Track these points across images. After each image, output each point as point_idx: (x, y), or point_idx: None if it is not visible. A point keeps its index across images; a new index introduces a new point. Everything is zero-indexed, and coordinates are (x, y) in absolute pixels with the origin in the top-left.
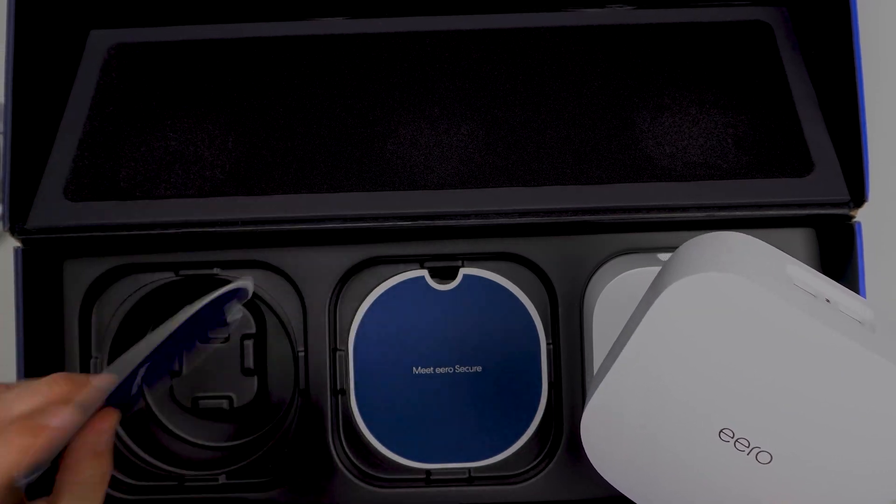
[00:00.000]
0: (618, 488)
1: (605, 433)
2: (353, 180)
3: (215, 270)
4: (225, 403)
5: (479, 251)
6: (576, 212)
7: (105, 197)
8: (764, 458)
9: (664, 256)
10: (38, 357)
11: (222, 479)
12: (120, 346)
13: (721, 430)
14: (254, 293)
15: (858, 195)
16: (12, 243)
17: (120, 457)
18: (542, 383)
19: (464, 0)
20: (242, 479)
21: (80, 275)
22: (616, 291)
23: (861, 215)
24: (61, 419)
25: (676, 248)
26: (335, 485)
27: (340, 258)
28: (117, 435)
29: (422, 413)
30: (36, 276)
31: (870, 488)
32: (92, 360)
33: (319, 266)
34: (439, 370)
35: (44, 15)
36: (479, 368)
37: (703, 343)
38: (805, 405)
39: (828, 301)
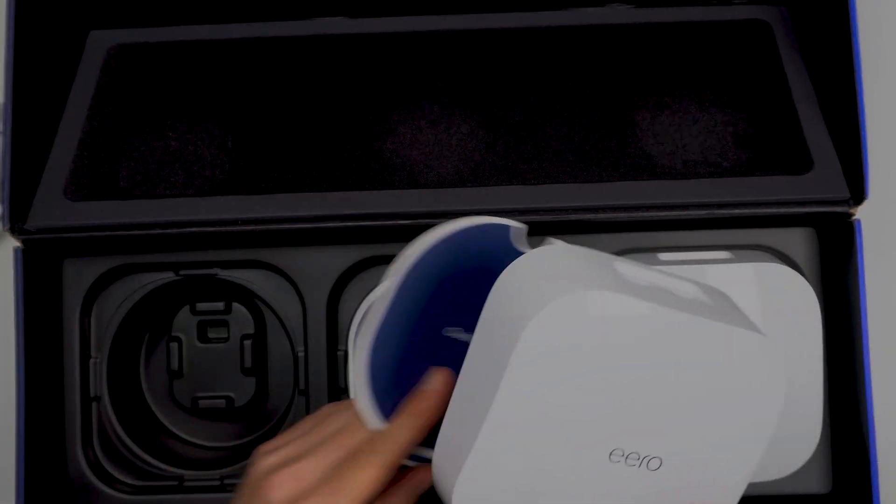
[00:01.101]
0: None
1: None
2: (352, 179)
3: (215, 270)
4: (224, 403)
5: None
6: (576, 210)
7: (105, 196)
8: (654, 464)
9: (664, 256)
10: (37, 357)
11: (221, 479)
12: (119, 346)
13: (611, 453)
14: (253, 293)
15: (858, 193)
16: (12, 243)
17: (119, 457)
18: None
19: (463, 0)
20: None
21: (79, 274)
22: None
23: (860, 213)
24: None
25: (677, 247)
26: None
27: (340, 258)
28: (116, 435)
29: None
30: (36, 275)
31: (741, 452)
32: (91, 361)
33: (319, 266)
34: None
35: (44, 15)
36: None
37: (575, 371)
38: (678, 394)
39: (663, 289)
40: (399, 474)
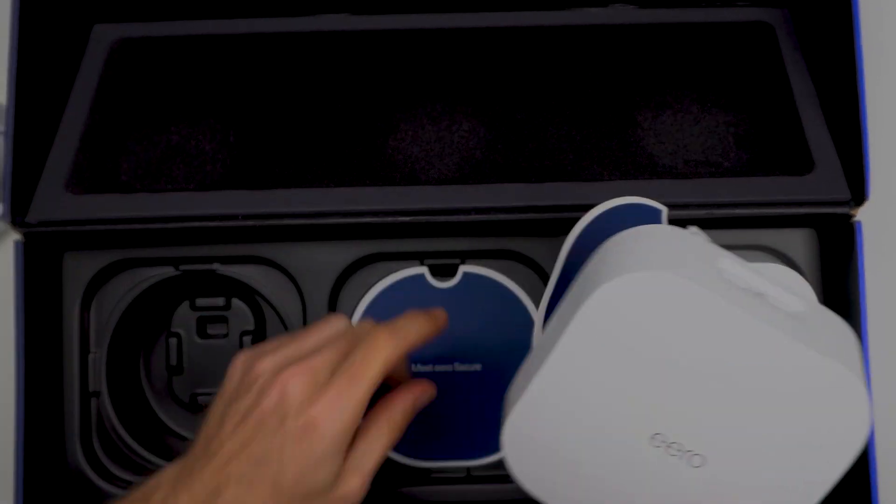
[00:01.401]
0: (546, 501)
1: (529, 446)
2: (353, 175)
3: (214, 266)
4: None
5: (480, 248)
6: (577, 208)
7: (106, 190)
8: (697, 461)
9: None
10: (37, 351)
11: None
12: (119, 341)
13: (653, 436)
14: (253, 289)
15: (859, 194)
16: (12, 243)
17: (118, 452)
18: None
19: None
20: None
21: (80, 268)
22: None
23: (861, 214)
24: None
25: None
26: None
27: (340, 254)
28: (113, 429)
29: (421, 410)
30: (36, 269)
31: (802, 485)
32: (91, 356)
33: (319, 262)
34: (438, 368)
35: (47, 9)
36: (478, 366)
37: (634, 346)
38: (737, 403)
39: (759, 294)
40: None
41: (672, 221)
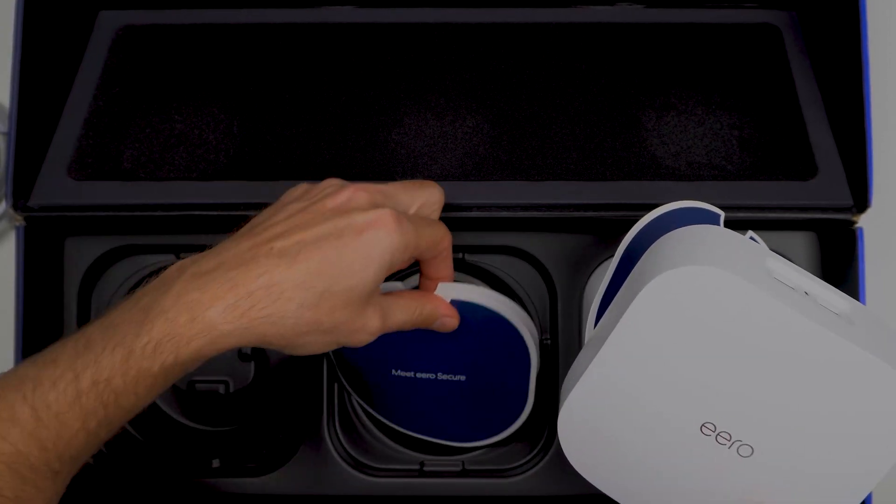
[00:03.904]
0: (597, 486)
1: (583, 431)
2: (356, 168)
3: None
4: (221, 388)
5: (481, 244)
6: (578, 207)
7: (108, 177)
8: (745, 451)
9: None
10: (36, 335)
11: (216, 464)
12: None
13: (703, 425)
14: None
15: (861, 200)
16: (12, 243)
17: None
18: (530, 384)
19: None
20: (236, 465)
21: (80, 254)
22: None
23: (863, 221)
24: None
25: None
26: (329, 473)
27: None
28: None
29: (410, 410)
30: (37, 254)
31: (847, 480)
32: None
33: None
34: (420, 375)
35: None
36: (461, 377)
37: (686, 337)
38: (786, 397)
39: (806, 294)
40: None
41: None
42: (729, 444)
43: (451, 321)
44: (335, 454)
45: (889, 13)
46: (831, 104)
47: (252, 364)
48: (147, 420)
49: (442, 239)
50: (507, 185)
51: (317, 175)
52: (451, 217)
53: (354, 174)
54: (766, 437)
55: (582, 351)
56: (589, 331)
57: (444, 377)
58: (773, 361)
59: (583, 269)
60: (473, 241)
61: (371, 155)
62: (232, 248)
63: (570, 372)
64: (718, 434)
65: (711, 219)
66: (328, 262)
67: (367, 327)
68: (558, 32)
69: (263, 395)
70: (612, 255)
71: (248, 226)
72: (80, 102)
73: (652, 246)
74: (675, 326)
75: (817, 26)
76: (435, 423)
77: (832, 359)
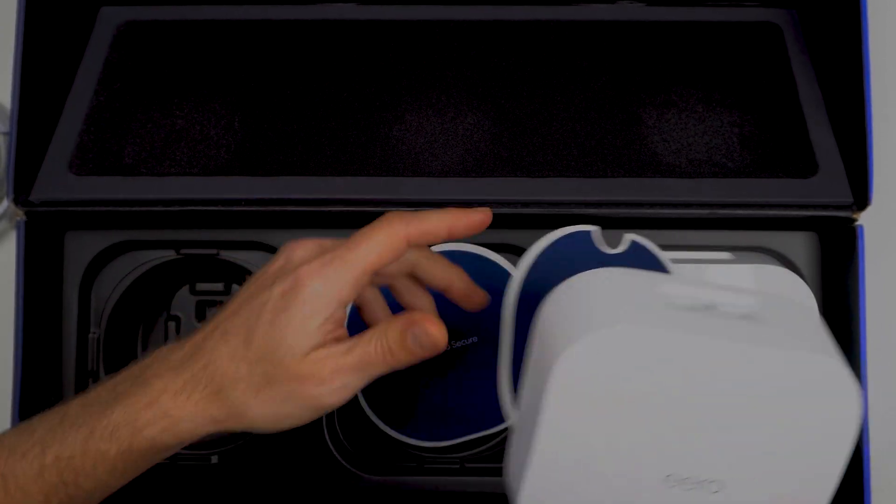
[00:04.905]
0: None
1: None
2: (357, 164)
3: (216, 251)
4: None
5: (481, 241)
6: (578, 204)
7: (109, 172)
8: (714, 487)
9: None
10: (36, 330)
11: (215, 460)
12: (118, 322)
13: (665, 478)
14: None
15: (861, 198)
16: (12, 242)
17: None
18: None
19: None
20: (235, 461)
21: (81, 249)
22: None
23: (863, 219)
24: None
25: (678, 246)
26: (327, 469)
27: None
28: None
29: (417, 386)
30: (37, 248)
31: (814, 480)
32: (90, 335)
33: None
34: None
35: None
36: (474, 339)
37: (613, 401)
38: (729, 420)
39: (710, 307)
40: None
41: (669, 221)
42: (697, 486)
43: (434, 330)
44: (334, 451)
45: (889, 12)
46: (832, 102)
47: None
48: None
49: (377, 237)
50: (508, 181)
51: (317, 171)
52: None
53: (355, 170)
54: (728, 467)
55: (513, 437)
56: (505, 402)
57: (459, 344)
58: (702, 392)
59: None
60: (473, 238)
61: (372, 151)
62: (198, 334)
63: (509, 463)
64: (683, 481)
65: (583, 237)
66: (257, 327)
67: (317, 379)
68: (559, 30)
69: None
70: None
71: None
72: (81, 98)
73: (543, 308)
74: (598, 394)
75: (818, 25)
76: (444, 411)
77: (752, 368)
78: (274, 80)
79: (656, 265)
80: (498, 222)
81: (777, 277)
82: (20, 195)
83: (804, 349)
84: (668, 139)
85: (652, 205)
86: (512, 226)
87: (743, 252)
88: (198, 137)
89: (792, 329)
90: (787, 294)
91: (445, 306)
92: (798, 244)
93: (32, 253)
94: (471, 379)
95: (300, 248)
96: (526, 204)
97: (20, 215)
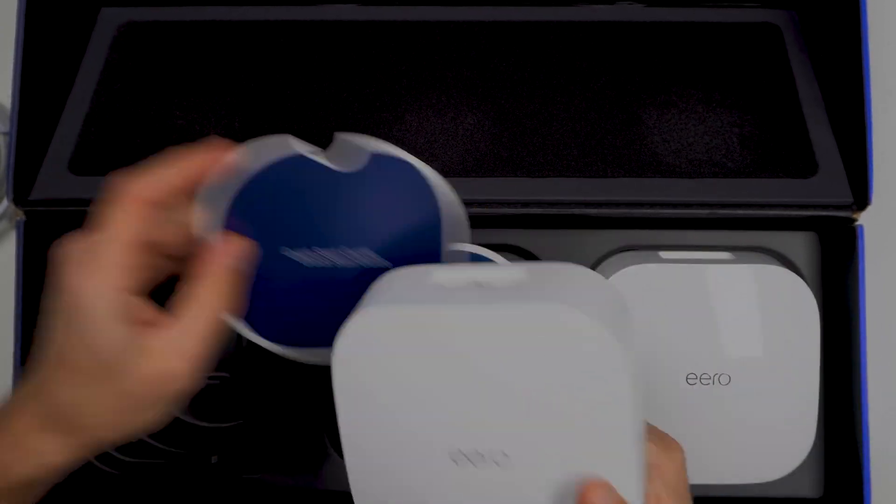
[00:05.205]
0: None
1: (376, 493)
2: None
3: None
4: (220, 383)
5: (481, 241)
6: (578, 204)
7: (109, 172)
8: (500, 459)
9: (666, 254)
10: (34, 329)
11: (214, 460)
12: None
13: (452, 457)
14: None
15: (861, 198)
16: (12, 243)
17: None
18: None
19: None
20: (235, 461)
21: None
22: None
23: (863, 219)
24: None
25: (678, 246)
26: (328, 468)
27: None
28: None
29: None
30: (37, 248)
31: (601, 437)
32: None
33: None
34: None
35: None
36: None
37: (387, 383)
38: (497, 387)
39: (477, 284)
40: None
41: (669, 221)
42: (484, 460)
43: (234, 249)
44: (333, 450)
45: (889, 13)
46: (831, 102)
47: (250, 359)
48: None
49: (114, 209)
50: (508, 181)
51: None
52: None
53: None
54: (510, 436)
55: None
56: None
57: (349, 252)
58: (464, 361)
59: (583, 265)
60: (472, 238)
61: None
62: (39, 365)
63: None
64: (470, 457)
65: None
66: (56, 344)
67: (164, 375)
68: (559, 31)
69: (264, 391)
70: (612, 252)
71: None
72: (81, 98)
73: None
74: (377, 378)
75: (818, 26)
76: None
77: (495, 328)
78: (274, 81)
79: (412, 175)
80: (498, 222)
81: (778, 277)
82: (20, 195)
83: (537, 300)
84: (669, 139)
85: (652, 205)
86: (512, 225)
87: (743, 252)
88: (197, 137)
89: (546, 288)
90: (788, 294)
91: (330, 200)
92: (798, 244)
93: (32, 253)
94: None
95: (62, 249)
96: (526, 204)
97: (20, 215)
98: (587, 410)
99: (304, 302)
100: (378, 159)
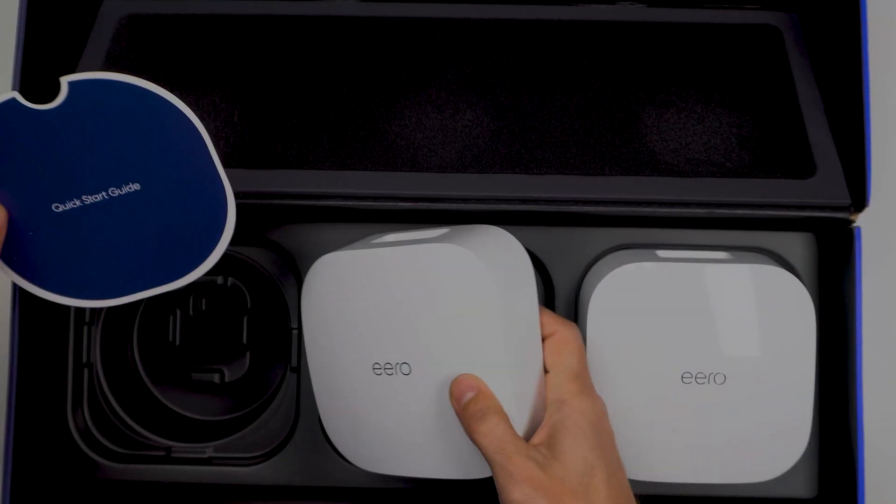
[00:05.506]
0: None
1: (331, 416)
2: (355, 159)
3: None
4: (217, 377)
5: None
6: (576, 202)
7: None
8: (405, 369)
9: (663, 253)
10: (32, 320)
11: (210, 452)
12: (115, 313)
13: (373, 367)
14: (251, 268)
15: (859, 200)
16: None
17: (108, 424)
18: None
19: None
20: (230, 453)
21: None
22: (613, 285)
23: (861, 220)
24: None
25: (676, 245)
26: (322, 461)
27: (338, 236)
28: (106, 402)
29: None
30: None
31: (494, 361)
32: (86, 327)
33: (317, 244)
34: (89, 200)
35: None
36: (136, 186)
37: (338, 313)
38: (404, 312)
39: (409, 241)
40: None
41: (666, 220)
42: (393, 370)
43: None
44: (328, 444)
45: (889, 14)
46: (830, 104)
47: (248, 354)
48: (142, 409)
49: None
50: (506, 178)
51: (315, 166)
52: (450, 210)
53: (354, 165)
54: (411, 351)
55: None
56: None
57: (118, 192)
58: (388, 293)
59: (580, 264)
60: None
61: (370, 146)
62: None
63: None
64: (384, 367)
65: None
66: None
67: None
68: (559, 29)
69: (259, 385)
70: (609, 250)
71: None
72: None
73: None
74: (323, 306)
75: (818, 27)
76: (126, 269)
77: (415, 262)
78: (274, 75)
79: (129, 96)
80: (496, 219)
81: (775, 278)
82: None
83: (435, 241)
84: (667, 138)
85: (650, 203)
86: (509, 222)
87: (740, 252)
88: None
89: (449, 237)
90: (785, 294)
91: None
92: (795, 245)
93: None
94: (135, 232)
95: None
96: (524, 201)
97: None
98: (464, 326)
99: (99, 249)
100: (77, 86)
